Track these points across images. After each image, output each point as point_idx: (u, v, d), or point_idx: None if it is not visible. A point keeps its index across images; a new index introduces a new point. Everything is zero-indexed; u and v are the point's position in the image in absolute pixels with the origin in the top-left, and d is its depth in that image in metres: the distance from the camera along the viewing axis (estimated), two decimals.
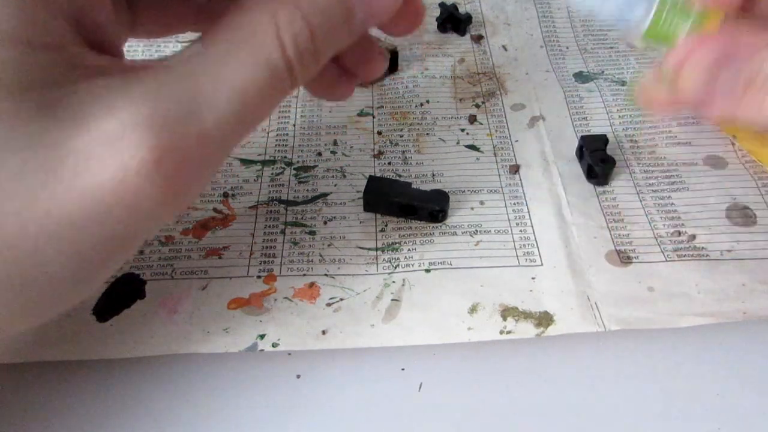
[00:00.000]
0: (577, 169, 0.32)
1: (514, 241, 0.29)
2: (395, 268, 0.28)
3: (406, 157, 0.33)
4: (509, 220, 0.30)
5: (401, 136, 0.34)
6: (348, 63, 0.24)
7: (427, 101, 0.37)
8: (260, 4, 0.18)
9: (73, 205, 0.16)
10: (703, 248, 0.29)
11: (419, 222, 0.30)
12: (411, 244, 0.29)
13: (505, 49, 0.40)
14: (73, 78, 0.16)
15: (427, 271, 0.28)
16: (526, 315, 0.26)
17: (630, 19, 0.22)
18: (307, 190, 0.32)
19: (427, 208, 0.29)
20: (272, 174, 0.32)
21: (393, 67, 0.38)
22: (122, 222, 0.17)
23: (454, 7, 0.41)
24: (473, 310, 0.27)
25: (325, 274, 0.28)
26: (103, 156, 0.16)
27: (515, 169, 0.32)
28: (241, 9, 0.18)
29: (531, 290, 0.27)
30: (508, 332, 0.26)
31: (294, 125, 0.35)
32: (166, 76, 0.17)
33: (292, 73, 0.19)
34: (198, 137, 0.17)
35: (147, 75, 0.17)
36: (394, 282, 0.28)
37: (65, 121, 0.16)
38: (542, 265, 0.28)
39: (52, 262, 0.17)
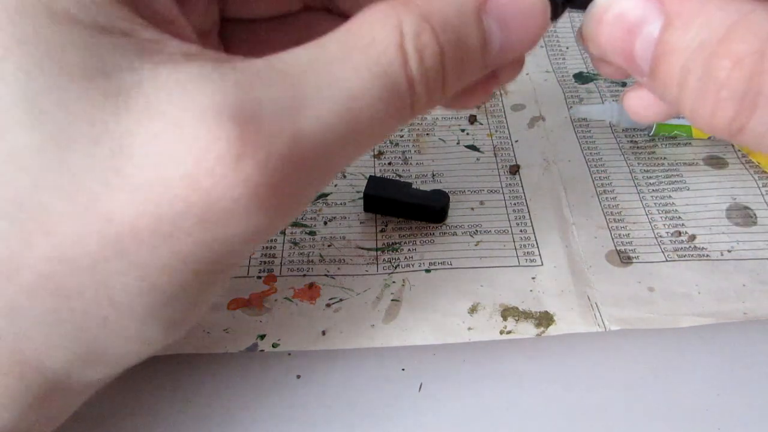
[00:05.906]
0: (577, 169, 0.32)
1: (514, 241, 0.29)
2: (395, 268, 0.28)
3: (406, 157, 0.33)
4: (509, 220, 0.30)
5: (401, 136, 0.34)
6: None
7: None
8: (383, 10, 0.16)
9: (138, 208, 0.13)
10: (703, 248, 0.29)
11: (419, 222, 0.30)
12: (411, 244, 0.29)
13: None
14: (148, 64, 0.14)
15: (428, 271, 0.28)
16: (527, 315, 0.26)
17: None
18: None
19: (427, 208, 0.29)
20: None
21: None
22: (193, 234, 0.14)
23: None
24: (473, 310, 0.27)
25: (325, 275, 0.28)
26: (176, 149, 0.13)
27: (515, 170, 0.32)
28: (360, 14, 0.16)
29: (531, 290, 0.27)
30: (508, 332, 0.26)
31: None
32: (265, 68, 0.15)
33: (413, 92, 0.16)
34: (292, 137, 0.14)
35: (242, 64, 0.15)
36: (394, 282, 0.28)
37: (136, 111, 0.14)
38: (542, 265, 0.28)
39: (113, 285, 0.14)
